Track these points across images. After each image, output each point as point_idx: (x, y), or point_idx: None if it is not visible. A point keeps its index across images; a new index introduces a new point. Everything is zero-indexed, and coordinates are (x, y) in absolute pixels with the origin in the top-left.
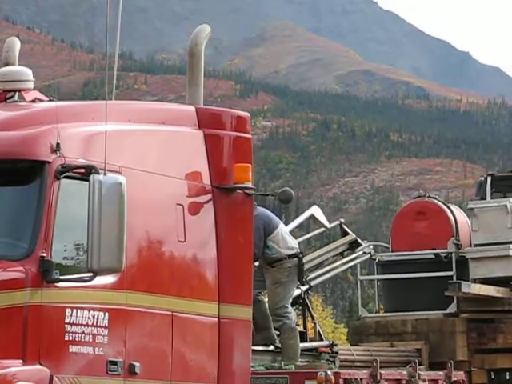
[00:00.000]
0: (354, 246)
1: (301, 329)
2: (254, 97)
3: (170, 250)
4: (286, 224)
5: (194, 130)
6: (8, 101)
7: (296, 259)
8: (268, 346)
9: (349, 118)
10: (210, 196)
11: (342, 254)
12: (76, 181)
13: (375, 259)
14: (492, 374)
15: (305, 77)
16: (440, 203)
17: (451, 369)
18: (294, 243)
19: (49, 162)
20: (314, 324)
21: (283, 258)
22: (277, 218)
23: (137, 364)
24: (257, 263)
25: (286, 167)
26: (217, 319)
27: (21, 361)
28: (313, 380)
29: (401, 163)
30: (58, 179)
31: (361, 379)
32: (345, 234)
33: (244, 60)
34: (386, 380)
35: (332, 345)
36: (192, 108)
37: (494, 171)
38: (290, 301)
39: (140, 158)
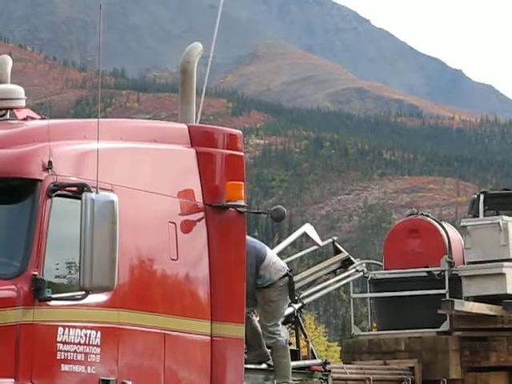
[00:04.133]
0: (346, 264)
1: (293, 347)
2: (246, 114)
3: (163, 268)
4: (279, 242)
5: (187, 147)
6: (0, 119)
7: (287, 278)
8: (261, 364)
9: (341, 135)
10: (202, 214)
11: (334, 272)
12: (68, 199)
13: (368, 277)
14: None
15: (297, 94)
16: (433, 221)
17: None
18: (282, 263)
19: (41, 180)
20: (307, 342)
21: (276, 280)
22: (263, 245)
23: (129, 383)
24: None
25: (278, 185)
26: (209, 337)
27: (13, 380)
28: None
29: (393, 181)
30: (50, 197)
31: None
32: (337, 251)
33: (236, 78)
34: None
35: (325, 363)
36: (184, 126)
37: (487, 189)
38: (282, 319)
39: (132, 176)
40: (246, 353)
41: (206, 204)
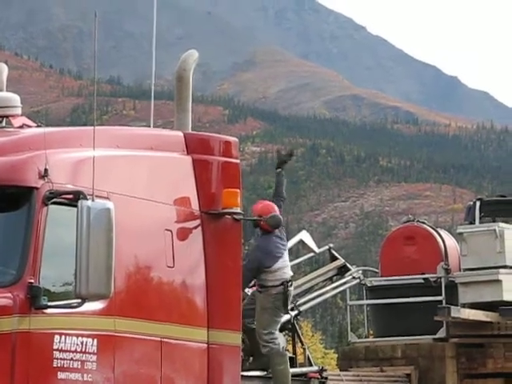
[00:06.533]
0: (343, 270)
1: (290, 354)
2: (242, 122)
3: (159, 275)
4: None
5: (183, 155)
6: None
7: (281, 287)
8: (265, 371)
9: (337, 142)
10: (198, 221)
11: (331, 279)
12: (64, 206)
13: (364, 284)
14: None
15: (293, 102)
16: (429, 228)
17: None
18: (286, 276)
19: (37, 188)
20: (304, 349)
21: (269, 286)
22: (277, 252)
23: None
24: (249, 291)
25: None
26: (206, 345)
27: None
28: None
29: (390, 188)
30: (46, 205)
31: None
32: (334, 258)
33: (233, 85)
34: None
35: (321, 370)
36: (180, 133)
37: (483, 196)
38: (278, 327)
39: (128, 184)
40: (251, 360)
41: (202, 211)
